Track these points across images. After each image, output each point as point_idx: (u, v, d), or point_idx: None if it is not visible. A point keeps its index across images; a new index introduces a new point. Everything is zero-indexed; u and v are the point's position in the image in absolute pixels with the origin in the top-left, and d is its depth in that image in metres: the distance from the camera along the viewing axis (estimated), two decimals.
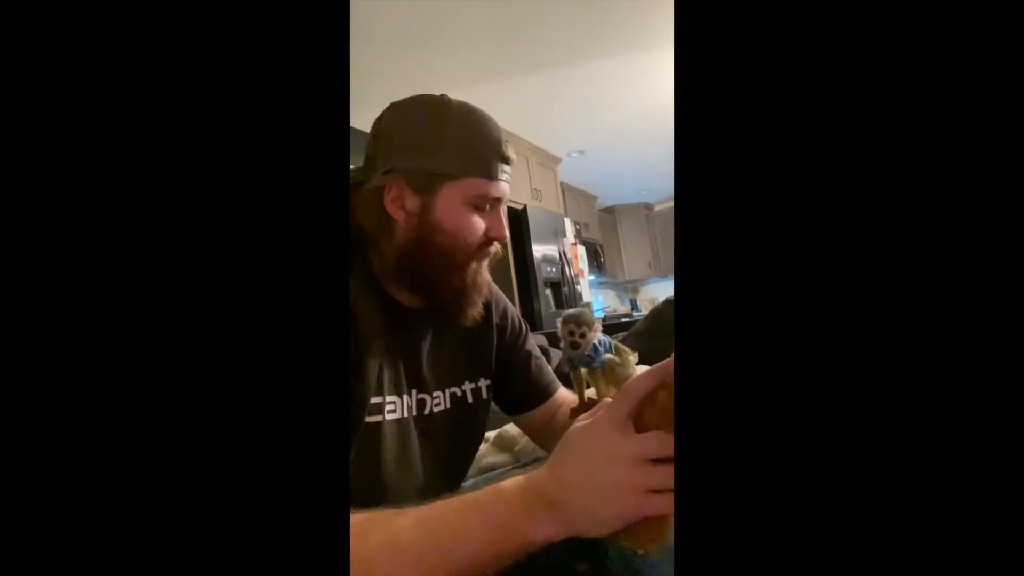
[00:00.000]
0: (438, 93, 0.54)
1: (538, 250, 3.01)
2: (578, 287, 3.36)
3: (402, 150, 0.52)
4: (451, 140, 0.51)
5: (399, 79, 2.22)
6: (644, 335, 1.29)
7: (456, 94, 0.54)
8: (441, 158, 0.51)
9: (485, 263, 0.56)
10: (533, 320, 2.90)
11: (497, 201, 0.54)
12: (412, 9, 1.91)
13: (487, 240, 0.54)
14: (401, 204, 0.52)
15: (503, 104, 2.78)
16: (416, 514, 0.36)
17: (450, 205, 0.52)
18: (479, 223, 0.53)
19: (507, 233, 0.56)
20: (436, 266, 0.52)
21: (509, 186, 0.56)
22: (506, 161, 0.54)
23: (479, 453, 0.80)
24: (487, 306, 0.64)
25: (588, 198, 4.53)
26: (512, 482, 0.37)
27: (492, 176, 0.52)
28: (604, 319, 3.89)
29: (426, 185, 0.51)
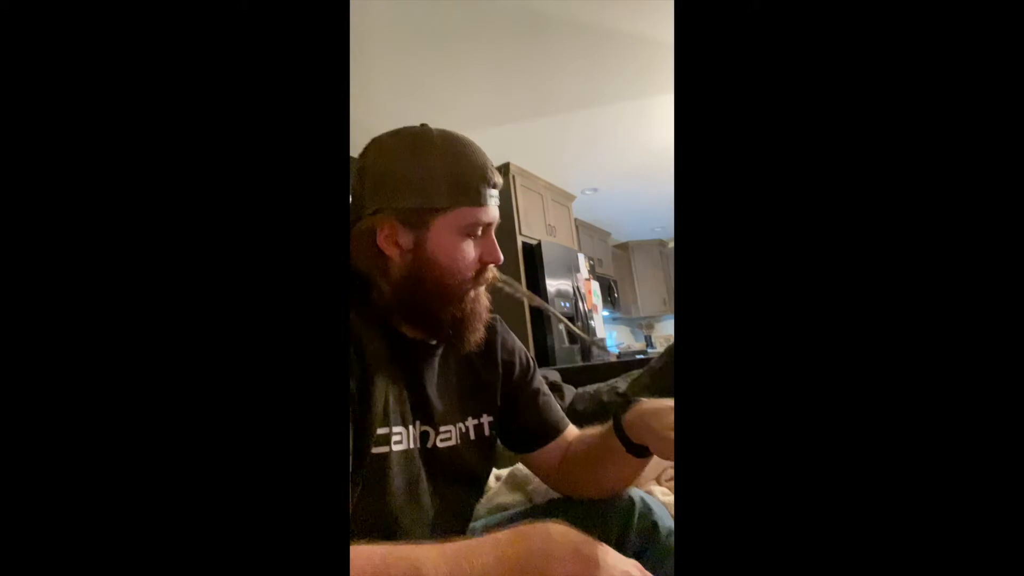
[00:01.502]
0: (454, 130, 0.55)
1: (552, 285, 3.01)
2: (592, 322, 3.34)
3: (391, 188, 0.52)
4: (437, 173, 0.51)
5: (414, 120, 2.29)
6: (660, 373, 1.26)
7: (472, 132, 0.56)
8: (429, 193, 0.51)
9: (483, 289, 0.57)
10: (547, 355, 2.87)
11: (488, 226, 0.55)
12: (428, 50, 2.00)
13: (482, 265, 0.55)
14: (394, 241, 0.53)
15: (519, 143, 2.86)
16: (439, 549, 0.37)
17: (443, 238, 0.52)
18: (472, 251, 0.54)
19: (501, 255, 0.56)
20: (435, 298, 0.53)
21: (498, 207, 0.56)
22: (493, 185, 0.54)
23: (491, 491, 0.78)
24: (492, 342, 0.64)
25: (602, 234, 4.56)
26: (536, 525, 0.38)
27: (481, 203, 0.53)
28: (619, 355, 3.84)
29: (417, 221, 0.52)
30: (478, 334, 0.56)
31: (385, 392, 0.51)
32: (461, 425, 0.58)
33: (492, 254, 0.55)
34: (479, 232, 0.54)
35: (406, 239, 0.52)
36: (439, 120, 0.57)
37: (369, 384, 0.49)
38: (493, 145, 2.85)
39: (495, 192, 0.55)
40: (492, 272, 0.57)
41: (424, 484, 0.53)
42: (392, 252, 0.53)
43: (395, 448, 0.51)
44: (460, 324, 0.54)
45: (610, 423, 0.57)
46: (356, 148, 0.56)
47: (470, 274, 0.54)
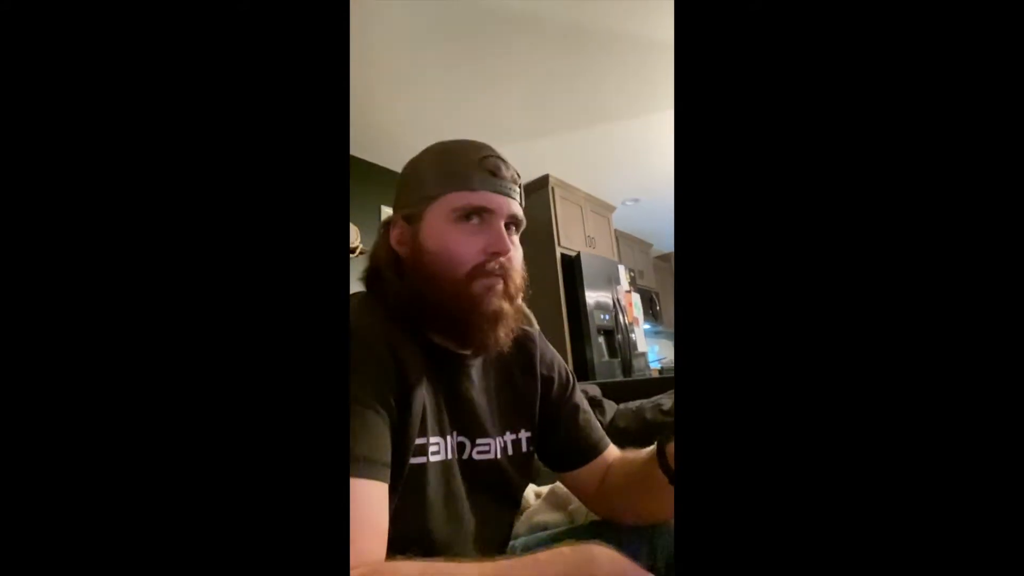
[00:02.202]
0: (494, 145, 0.55)
1: (591, 297, 2.97)
2: (633, 335, 3.26)
3: (398, 194, 0.57)
4: (428, 167, 0.54)
5: (450, 134, 2.34)
6: None
7: (512, 146, 0.56)
8: (421, 186, 0.53)
9: (498, 287, 0.52)
10: (585, 369, 2.83)
11: (488, 213, 0.52)
12: (467, 61, 2.04)
13: (488, 256, 0.51)
14: (400, 240, 0.55)
15: (559, 155, 2.86)
16: (478, 567, 0.36)
17: (433, 225, 0.52)
18: (470, 239, 0.51)
19: (508, 245, 0.52)
20: (434, 288, 0.51)
21: (507, 199, 0.53)
22: (492, 173, 0.52)
23: (531, 509, 0.76)
24: (531, 355, 0.62)
25: (643, 245, 4.48)
26: (579, 547, 0.37)
27: (471, 187, 0.51)
28: (660, 370, 3.73)
29: (414, 213, 0.54)
30: (494, 337, 0.52)
31: (423, 402, 0.50)
32: (499, 439, 0.57)
33: (497, 243, 0.51)
34: (476, 219, 0.52)
35: (409, 234, 0.54)
36: (478, 133, 0.57)
37: (408, 394, 0.49)
38: (532, 158, 2.88)
39: (499, 182, 0.53)
40: (516, 275, 0.54)
41: (462, 497, 0.52)
42: (402, 251, 0.55)
43: (432, 459, 0.50)
44: (470, 320, 0.51)
45: (653, 450, 0.54)
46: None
47: (469, 263, 0.51)
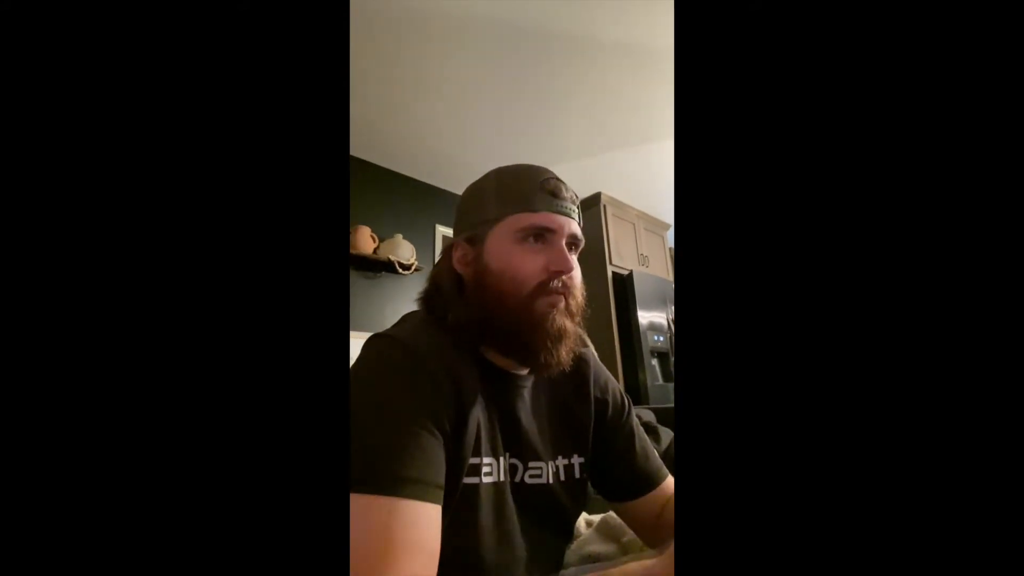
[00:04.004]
0: (549, 163, 0.56)
1: (644, 317, 2.89)
2: None
3: (459, 220, 0.59)
4: (490, 190, 0.56)
5: (504, 154, 2.38)
6: None
7: (566, 164, 0.56)
8: (484, 208, 0.55)
9: (561, 304, 0.53)
10: (638, 393, 2.73)
11: (550, 232, 0.53)
12: (524, 83, 2.07)
13: (550, 275, 0.52)
14: (462, 261, 0.56)
15: (611, 173, 2.84)
16: None
17: (496, 245, 0.53)
18: (532, 258, 0.52)
19: (570, 264, 0.53)
20: (497, 307, 0.52)
21: (568, 219, 0.54)
22: (552, 194, 0.54)
23: (581, 539, 0.73)
24: (584, 377, 0.61)
25: None
26: (641, 564, 0.38)
27: (532, 208, 0.53)
28: None
29: (476, 235, 0.55)
30: (554, 355, 0.52)
31: (478, 422, 0.50)
32: (552, 463, 0.56)
33: (559, 262, 0.52)
34: (538, 239, 0.53)
35: (469, 255, 0.55)
36: (533, 153, 0.58)
37: (463, 414, 0.49)
38: (584, 176, 2.88)
39: (560, 203, 0.54)
40: (577, 293, 0.54)
41: (513, 521, 0.51)
42: (465, 272, 0.56)
43: (485, 480, 0.50)
44: (534, 338, 0.51)
45: None
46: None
47: (532, 281, 0.52)
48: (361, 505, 0.38)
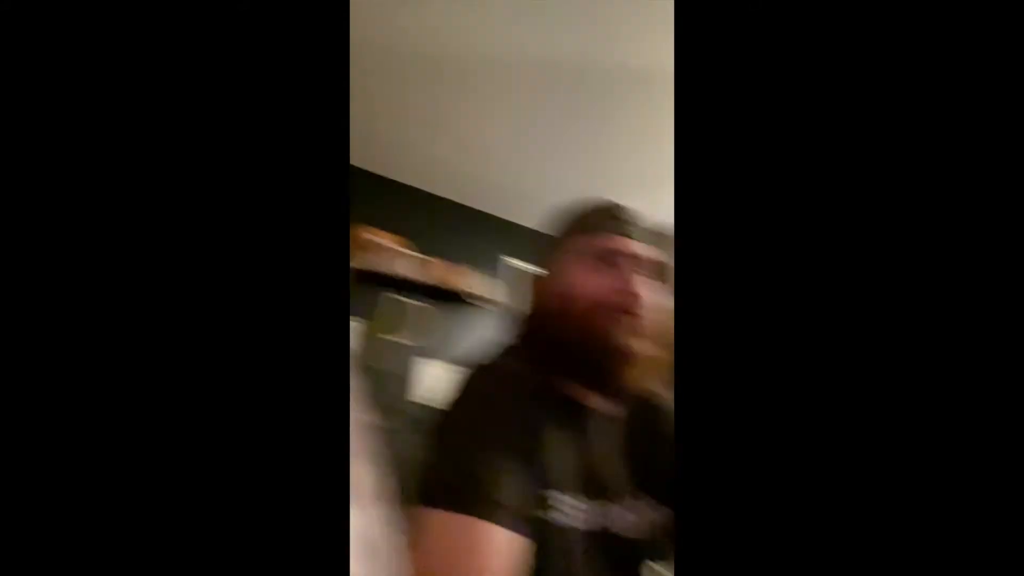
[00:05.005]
0: (613, 195, 0.58)
1: None
2: None
3: (541, 254, 0.61)
4: (560, 222, 0.59)
5: (563, 183, 2.38)
6: None
7: (627, 196, 0.57)
8: (552, 238, 0.59)
9: (624, 321, 0.51)
10: None
11: (613, 254, 0.53)
12: (588, 115, 2.08)
13: (612, 294, 0.51)
14: (535, 290, 0.58)
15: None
16: None
17: (560, 268, 0.55)
18: (593, 277, 0.52)
19: (634, 284, 0.51)
20: (559, 327, 0.52)
21: (631, 241, 0.54)
22: (614, 217, 0.55)
23: None
24: (658, 419, 0.58)
25: None
26: None
27: (594, 231, 0.54)
28: None
29: (546, 259, 0.58)
30: (625, 374, 0.51)
31: (551, 455, 0.49)
32: (622, 504, 0.53)
33: (621, 281, 0.52)
34: (603, 261, 0.53)
35: (541, 284, 0.58)
36: (594, 183, 0.60)
37: (536, 444, 0.48)
38: (650, 206, 2.80)
39: (620, 224, 0.55)
40: (647, 314, 0.52)
41: (579, 561, 0.48)
42: (536, 300, 0.58)
43: (553, 515, 0.48)
44: (598, 356, 0.50)
45: None
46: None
47: (595, 298, 0.51)
48: (447, 524, 0.39)
